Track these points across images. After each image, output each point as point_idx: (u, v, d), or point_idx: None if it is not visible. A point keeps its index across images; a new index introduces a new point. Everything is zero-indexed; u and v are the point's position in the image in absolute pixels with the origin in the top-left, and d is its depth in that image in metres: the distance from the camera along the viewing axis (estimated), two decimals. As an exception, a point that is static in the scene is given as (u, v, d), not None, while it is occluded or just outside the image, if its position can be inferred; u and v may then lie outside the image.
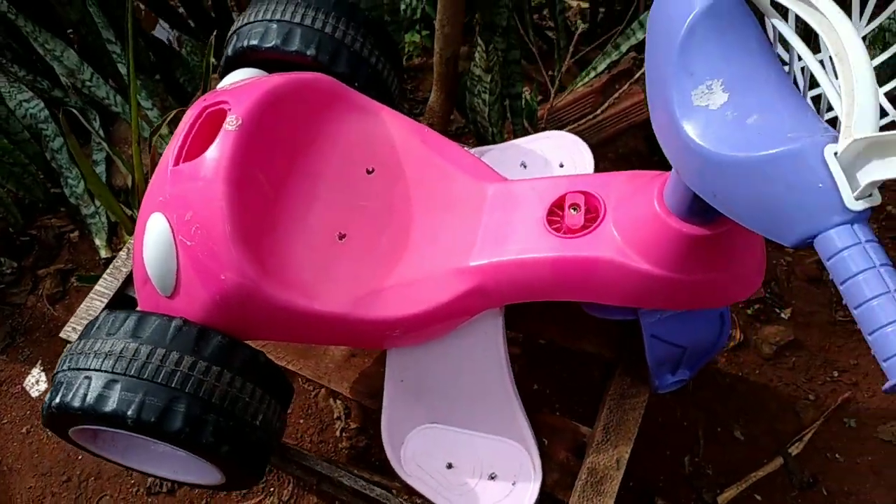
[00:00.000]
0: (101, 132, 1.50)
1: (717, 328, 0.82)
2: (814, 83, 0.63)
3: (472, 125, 1.37)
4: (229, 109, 0.78)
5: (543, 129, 1.34)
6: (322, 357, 0.98)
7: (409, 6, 1.52)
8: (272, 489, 1.24)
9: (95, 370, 0.74)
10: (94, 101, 1.49)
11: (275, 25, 0.92)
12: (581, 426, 0.91)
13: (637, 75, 1.39)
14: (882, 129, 0.51)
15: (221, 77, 0.95)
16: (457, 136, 1.52)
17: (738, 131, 0.56)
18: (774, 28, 0.63)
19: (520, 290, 0.80)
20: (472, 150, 0.99)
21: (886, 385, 0.47)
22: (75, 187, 1.47)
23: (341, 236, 0.84)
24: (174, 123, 1.16)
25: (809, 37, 0.62)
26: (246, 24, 0.94)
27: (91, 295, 1.02)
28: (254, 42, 0.92)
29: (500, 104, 1.32)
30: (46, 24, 1.42)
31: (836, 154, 0.51)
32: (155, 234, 0.77)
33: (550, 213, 0.79)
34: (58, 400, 0.75)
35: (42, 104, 1.46)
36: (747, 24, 0.61)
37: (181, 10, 1.59)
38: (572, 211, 0.77)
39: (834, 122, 0.56)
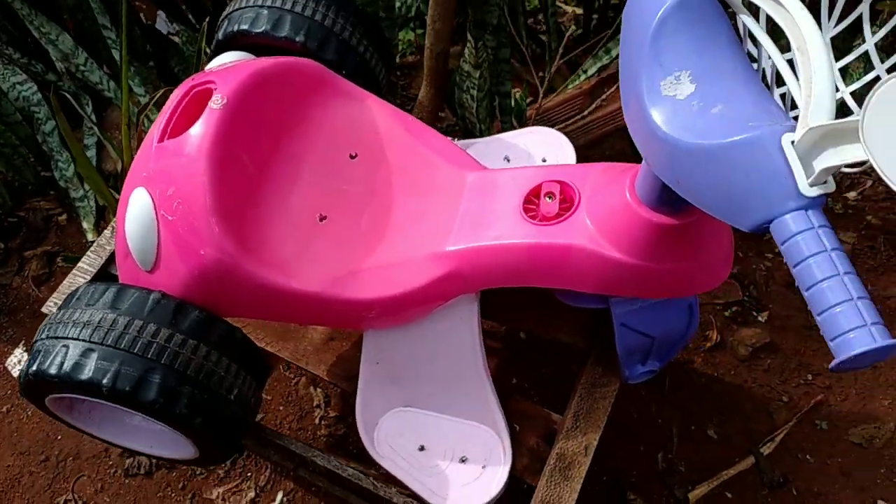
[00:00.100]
0: (93, 117, 1.51)
1: (686, 319, 0.84)
2: (782, 81, 0.65)
3: (461, 121, 1.39)
4: (215, 89, 0.80)
5: (531, 128, 1.36)
6: (301, 339, 1.00)
7: (404, 4, 1.54)
8: (249, 474, 1.25)
9: (73, 339, 0.75)
10: (88, 86, 1.50)
11: (265, 11, 0.94)
12: (552, 413, 0.92)
13: (624, 78, 1.41)
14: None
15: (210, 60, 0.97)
16: (446, 133, 1.53)
17: (703, 120, 0.58)
18: (744, 25, 0.66)
19: (495, 276, 0.82)
20: (457, 143, 1.01)
21: (833, 363, 0.49)
22: (65, 170, 1.48)
23: (322, 218, 0.85)
24: (163, 104, 1.17)
25: (780, 36, 0.64)
26: (237, 8, 0.96)
27: (74, 271, 1.03)
28: (244, 27, 0.94)
29: (490, 102, 1.34)
30: (43, 7, 1.44)
31: (792, 142, 0.53)
32: (137, 208, 0.78)
33: (527, 201, 0.81)
34: (35, 367, 0.76)
35: (35, 87, 1.47)
36: (717, 19, 0.64)
37: (184, 6, 1.60)
38: (548, 199, 0.79)
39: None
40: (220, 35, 0.97)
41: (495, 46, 1.30)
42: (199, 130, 0.77)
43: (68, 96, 1.46)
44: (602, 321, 0.94)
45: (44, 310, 1.02)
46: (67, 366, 0.74)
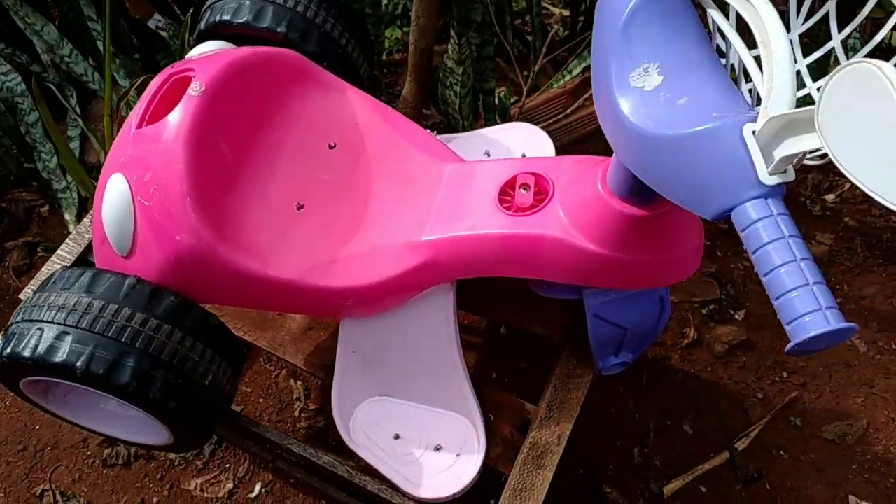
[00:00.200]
0: (77, 109, 1.51)
1: (658, 311, 0.85)
2: (750, 77, 0.66)
3: (444, 118, 1.40)
4: (194, 76, 0.80)
5: (513, 126, 1.37)
6: (279, 329, 1.00)
7: (391, 1, 1.55)
8: (228, 465, 1.25)
9: (48, 322, 0.75)
10: (73, 78, 1.50)
11: (247, 2, 0.94)
12: (526, 404, 0.93)
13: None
14: (799, 102, 0.55)
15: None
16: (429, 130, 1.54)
17: (669, 111, 0.60)
18: (713, 20, 0.67)
19: (470, 265, 0.82)
20: (438, 137, 1.02)
21: (788, 346, 0.50)
22: (48, 162, 1.48)
23: (299, 206, 0.86)
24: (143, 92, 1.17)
25: (749, 33, 0.65)
26: (219, -1, 0.97)
27: (52, 259, 1.03)
28: (226, 17, 0.94)
29: (473, 99, 1.35)
30: (28, -2, 1.44)
31: (753, 132, 0.55)
32: (114, 193, 0.79)
33: (502, 192, 0.82)
34: (9, 350, 0.76)
35: (20, 78, 1.46)
36: (687, 14, 0.65)
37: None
38: (522, 190, 0.80)
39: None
40: (202, 25, 0.98)
41: (479, 44, 1.31)
42: (176, 117, 0.78)
43: (53, 88, 1.46)
44: (578, 314, 0.95)
45: (21, 296, 1.02)
46: (42, 348, 0.74)
